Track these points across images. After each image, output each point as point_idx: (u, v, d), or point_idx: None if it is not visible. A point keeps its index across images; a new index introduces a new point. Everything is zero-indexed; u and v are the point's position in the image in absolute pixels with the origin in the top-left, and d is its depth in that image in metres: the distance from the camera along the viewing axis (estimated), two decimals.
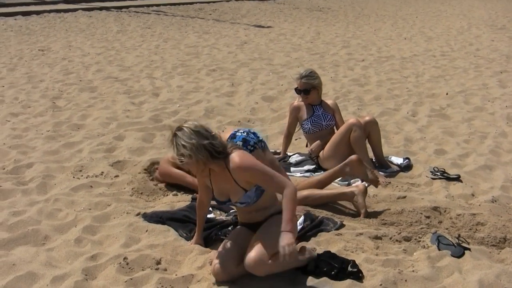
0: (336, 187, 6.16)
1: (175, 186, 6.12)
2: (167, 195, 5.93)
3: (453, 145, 7.72)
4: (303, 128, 6.99)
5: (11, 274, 4.35)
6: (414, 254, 4.82)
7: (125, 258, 4.54)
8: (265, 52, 14.68)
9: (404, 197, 5.95)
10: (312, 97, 6.91)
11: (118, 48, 14.69)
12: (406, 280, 4.33)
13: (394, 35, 18.59)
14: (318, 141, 6.84)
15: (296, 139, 7.50)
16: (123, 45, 15.17)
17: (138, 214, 5.37)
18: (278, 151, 7.23)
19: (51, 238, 4.97)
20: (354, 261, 4.48)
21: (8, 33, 16.62)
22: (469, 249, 4.85)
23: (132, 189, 6.04)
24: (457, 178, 6.52)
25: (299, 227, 5.09)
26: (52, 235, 5.02)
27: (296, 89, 6.97)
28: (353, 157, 5.96)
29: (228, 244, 4.45)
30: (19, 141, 7.52)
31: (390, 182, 6.38)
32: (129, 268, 4.46)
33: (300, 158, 7.02)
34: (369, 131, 6.75)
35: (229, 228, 5.01)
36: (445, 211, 5.64)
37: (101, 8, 23.09)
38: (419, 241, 5.04)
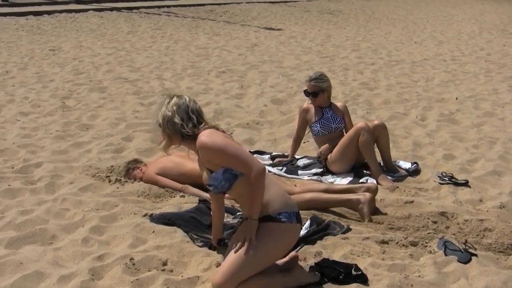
0: (342, 187, 6.09)
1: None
2: (174, 196, 5.93)
3: (461, 150, 7.70)
4: (312, 130, 6.98)
5: (18, 272, 4.36)
6: (421, 259, 4.81)
7: (131, 259, 4.55)
8: (275, 55, 14.69)
9: (412, 201, 5.95)
10: (320, 100, 6.90)
11: (129, 49, 14.73)
12: (412, 285, 4.32)
13: (404, 39, 18.57)
14: (326, 145, 6.84)
15: (304, 142, 7.49)
16: (133, 46, 15.21)
17: (145, 215, 5.38)
18: (286, 154, 7.23)
19: (58, 237, 4.99)
20: (356, 265, 4.48)
21: (20, 33, 16.68)
22: (476, 255, 4.83)
23: (139, 190, 6.05)
24: (465, 184, 6.51)
25: (304, 231, 5.09)
26: (60, 234, 5.03)
27: (305, 91, 6.97)
28: (367, 194, 5.67)
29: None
30: (28, 140, 7.55)
31: (397, 187, 6.37)
32: (136, 268, 4.47)
33: (308, 161, 7.01)
34: (378, 135, 6.74)
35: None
36: (452, 217, 5.63)
37: (112, 9, 23.14)
38: (426, 246, 5.02)
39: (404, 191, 6.27)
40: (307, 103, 7.03)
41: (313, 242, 4.99)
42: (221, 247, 4.71)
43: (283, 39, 17.61)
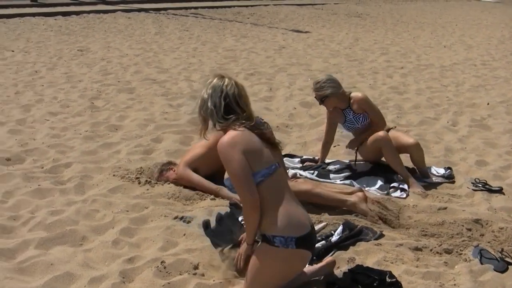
0: (338, 186, 6.10)
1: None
2: (204, 199, 5.84)
3: (494, 157, 7.57)
4: (342, 130, 6.96)
5: (49, 273, 4.35)
6: (456, 267, 4.72)
7: (162, 262, 4.51)
8: (303, 58, 14.61)
9: (445, 208, 5.83)
10: (331, 105, 6.75)
11: (156, 50, 14.75)
12: None
13: (433, 43, 18.39)
14: (354, 138, 6.87)
15: (334, 146, 7.39)
16: (161, 47, 15.22)
17: (175, 218, 5.33)
18: (316, 157, 7.14)
19: (88, 238, 4.97)
20: (390, 272, 4.40)
21: (48, 33, 16.79)
22: None
23: (169, 192, 6.01)
24: (499, 191, 6.39)
25: (337, 237, 5.03)
26: (90, 235, 5.01)
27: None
28: (360, 194, 5.76)
29: None
30: (58, 140, 7.56)
31: (427, 195, 6.24)
32: (167, 272, 4.43)
33: (338, 165, 6.91)
34: (411, 153, 6.68)
35: None
36: (487, 224, 5.51)
37: (139, 10, 23.25)
38: (461, 254, 4.93)
39: (437, 197, 6.16)
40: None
41: (345, 248, 4.91)
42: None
43: (310, 41, 17.53)
